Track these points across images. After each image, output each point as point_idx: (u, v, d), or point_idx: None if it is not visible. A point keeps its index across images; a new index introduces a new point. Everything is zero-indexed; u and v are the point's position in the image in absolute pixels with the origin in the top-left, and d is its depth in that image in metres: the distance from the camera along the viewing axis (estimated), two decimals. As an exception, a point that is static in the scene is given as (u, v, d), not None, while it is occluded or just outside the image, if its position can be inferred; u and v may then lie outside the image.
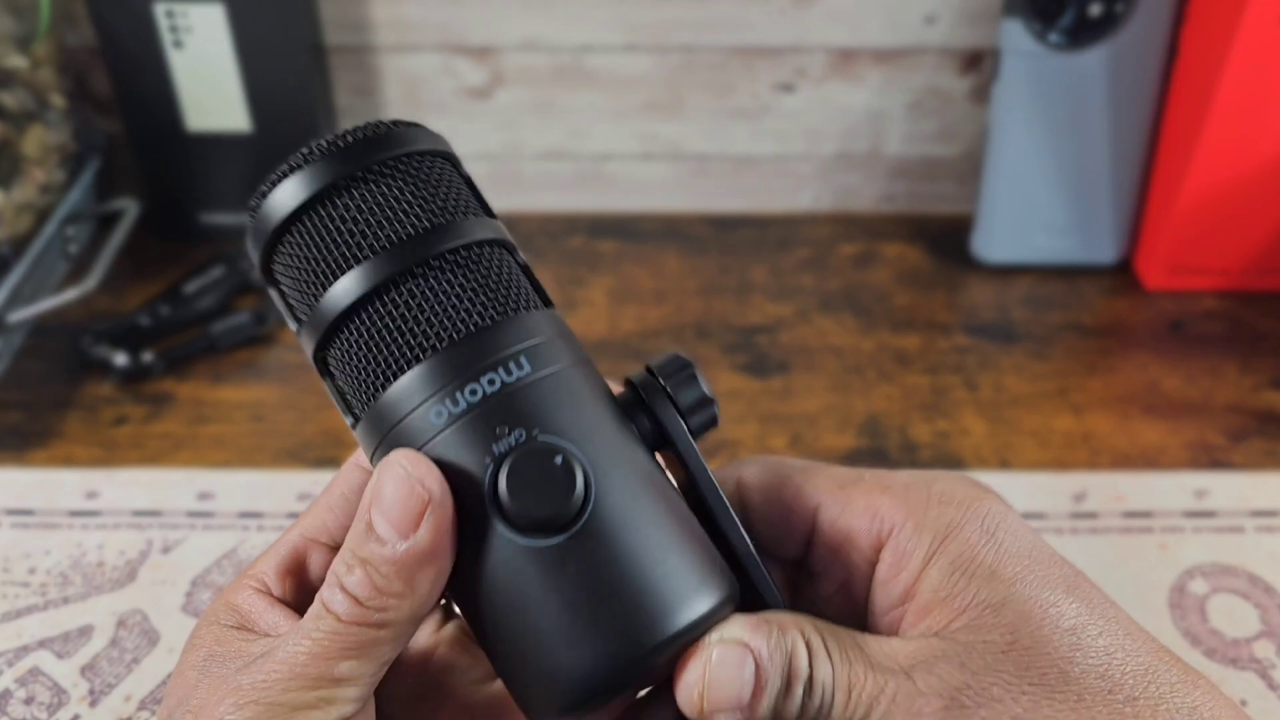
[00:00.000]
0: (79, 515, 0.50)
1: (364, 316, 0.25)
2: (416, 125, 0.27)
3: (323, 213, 0.25)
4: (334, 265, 0.25)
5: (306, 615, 0.26)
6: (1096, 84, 0.62)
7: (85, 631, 0.45)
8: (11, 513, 0.51)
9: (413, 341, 0.25)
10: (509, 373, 0.25)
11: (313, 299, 0.26)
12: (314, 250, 0.25)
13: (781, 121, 0.72)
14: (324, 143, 0.26)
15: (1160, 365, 0.60)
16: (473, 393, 0.24)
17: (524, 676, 0.25)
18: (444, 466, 0.24)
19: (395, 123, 0.27)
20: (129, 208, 0.68)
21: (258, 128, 0.67)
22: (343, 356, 0.26)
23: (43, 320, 0.63)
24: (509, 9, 0.68)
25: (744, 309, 0.65)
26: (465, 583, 0.25)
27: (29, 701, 0.42)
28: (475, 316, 0.25)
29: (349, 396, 0.26)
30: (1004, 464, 0.54)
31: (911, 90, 0.70)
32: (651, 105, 0.71)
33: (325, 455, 0.55)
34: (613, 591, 0.24)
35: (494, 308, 0.25)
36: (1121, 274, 0.68)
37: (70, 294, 0.61)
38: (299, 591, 0.29)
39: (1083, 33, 0.61)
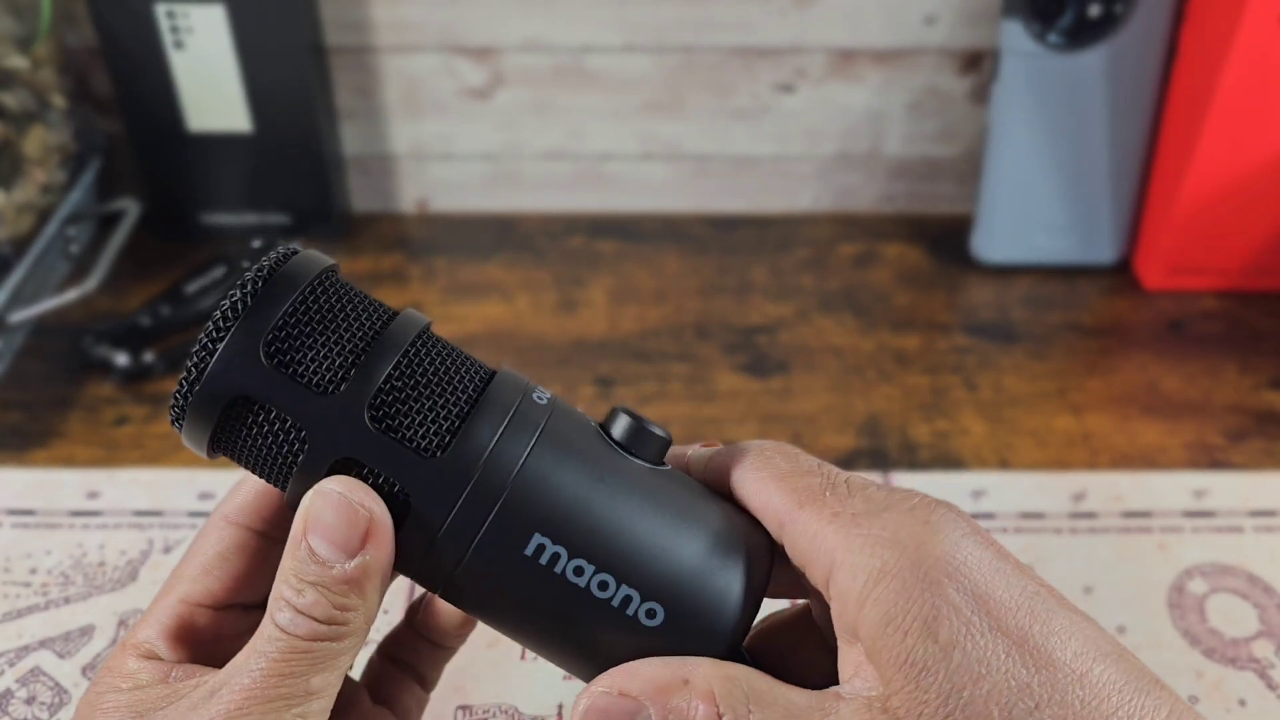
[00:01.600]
0: (80, 515, 0.51)
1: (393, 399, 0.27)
2: (301, 251, 0.28)
3: (278, 367, 0.26)
4: (341, 368, 0.26)
5: (251, 645, 0.26)
6: (1096, 84, 0.63)
7: (86, 631, 0.45)
8: (12, 513, 0.51)
9: (461, 394, 0.27)
10: (542, 397, 0.28)
11: (295, 456, 0.27)
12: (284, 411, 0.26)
13: (781, 122, 0.72)
14: (241, 295, 0.26)
15: (1160, 365, 0.60)
16: (539, 397, 0.28)
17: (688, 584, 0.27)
18: (562, 429, 0.27)
19: (288, 253, 0.27)
20: (130, 208, 0.68)
21: (258, 128, 0.67)
22: (408, 419, 0.27)
23: (43, 320, 0.63)
24: (509, 9, 0.68)
25: (744, 309, 0.65)
26: (604, 507, 0.27)
27: (30, 701, 0.42)
28: (474, 384, 0.28)
29: (427, 448, 0.27)
30: (1003, 464, 0.54)
31: (911, 90, 0.70)
32: (651, 105, 0.71)
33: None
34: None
35: (480, 371, 0.28)
36: (1121, 274, 0.68)
37: (71, 294, 0.61)
38: (195, 655, 0.29)
39: (1082, 33, 0.61)
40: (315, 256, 0.28)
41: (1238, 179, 0.61)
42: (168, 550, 0.49)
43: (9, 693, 0.43)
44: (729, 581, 0.27)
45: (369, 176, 0.74)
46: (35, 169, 0.64)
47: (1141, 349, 0.62)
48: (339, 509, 0.25)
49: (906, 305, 0.66)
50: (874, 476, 0.54)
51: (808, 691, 0.25)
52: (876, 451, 0.55)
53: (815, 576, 0.26)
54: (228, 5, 0.63)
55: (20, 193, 0.63)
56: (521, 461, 0.26)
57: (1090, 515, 0.50)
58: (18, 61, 0.64)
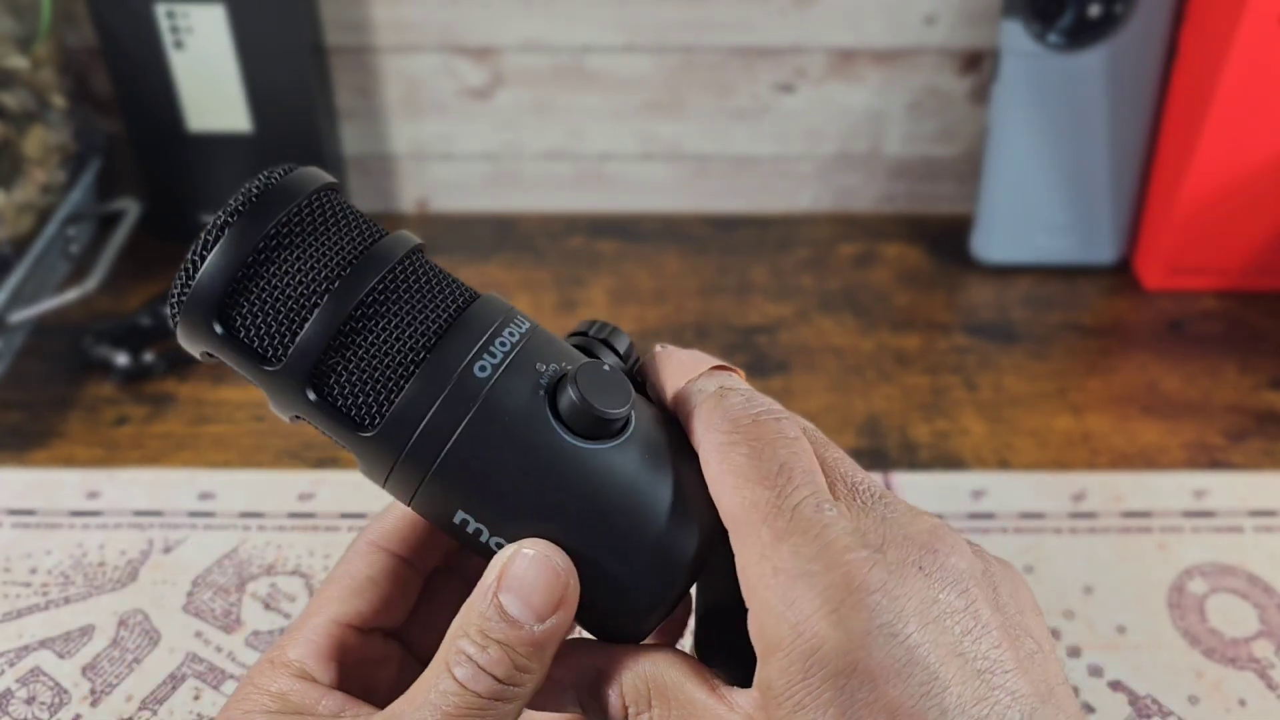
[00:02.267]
0: (80, 515, 0.51)
1: (348, 349, 0.27)
2: (302, 168, 0.28)
3: (265, 273, 0.26)
4: (291, 321, 0.26)
5: (420, 694, 0.26)
6: (1096, 84, 0.63)
7: (86, 631, 0.45)
8: (12, 513, 0.51)
9: (407, 350, 0.27)
10: (520, 327, 0.28)
11: (287, 344, 0.27)
12: (270, 309, 0.27)
13: (781, 122, 0.72)
14: (234, 205, 0.27)
15: (1160, 365, 0.60)
16: (502, 344, 0.27)
17: (620, 579, 0.27)
18: (503, 404, 0.26)
19: (288, 169, 0.28)
20: (130, 208, 0.68)
21: (258, 128, 0.67)
22: (346, 388, 0.27)
23: (44, 320, 0.63)
24: (509, 9, 0.68)
25: (744, 309, 0.65)
26: (533, 502, 0.27)
27: (30, 701, 0.42)
28: (447, 310, 0.28)
29: (357, 413, 0.27)
30: (1003, 464, 0.54)
31: (911, 90, 0.70)
32: (651, 105, 0.71)
33: (326, 455, 0.55)
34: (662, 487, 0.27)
35: (458, 296, 0.28)
36: (1121, 274, 0.68)
37: (71, 294, 0.61)
38: (343, 677, 0.29)
39: (1082, 33, 0.61)
40: (286, 191, 0.27)
41: (1238, 179, 0.61)
42: (168, 550, 0.49)
43: (9, 693, 0.43)
44: (651, 576, 0.27)
45: (369, 176, 0.74)
46: (35, 169, 0.64)
47: (1141, 349, 0.62)
48: (540, 570, 0.25)
49: (906, 305, 0.66)
50: (874, 476, 0.54)
51: (715, 693, 0.26)
52: (876, 451, 0.55)
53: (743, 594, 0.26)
54: (228, 5, 0.63)
55: (20, 193, 0.63)
56: (450, 443, 0.26)
57: (1090, 515, 0.50)
58: (18, 61, 0.64)
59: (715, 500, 0.26)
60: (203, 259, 0.26)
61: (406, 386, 0.26)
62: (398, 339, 0.27)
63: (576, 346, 0.30)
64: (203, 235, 0.26)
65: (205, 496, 0.51)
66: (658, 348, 0.30)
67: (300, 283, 0.26)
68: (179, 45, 0.64)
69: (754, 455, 0.25)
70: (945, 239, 0.71)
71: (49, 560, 0.48)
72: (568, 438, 0.27)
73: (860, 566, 0.24)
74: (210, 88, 0.66)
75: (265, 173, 0.27)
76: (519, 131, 0.72)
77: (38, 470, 0.53)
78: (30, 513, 0.51)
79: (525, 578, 0.25)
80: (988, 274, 0.68)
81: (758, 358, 0.61)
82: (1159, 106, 0.64)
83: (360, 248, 0.27)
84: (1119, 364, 0.61)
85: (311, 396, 0.27)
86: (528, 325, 0.28)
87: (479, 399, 0.26)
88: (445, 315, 0.27)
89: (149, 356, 0.59)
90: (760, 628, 0.24)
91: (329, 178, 0.28)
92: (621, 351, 0.30)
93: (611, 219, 0.74)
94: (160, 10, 0.63)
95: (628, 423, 0.27)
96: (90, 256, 0.66)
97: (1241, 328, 0.63)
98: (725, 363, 0.29)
